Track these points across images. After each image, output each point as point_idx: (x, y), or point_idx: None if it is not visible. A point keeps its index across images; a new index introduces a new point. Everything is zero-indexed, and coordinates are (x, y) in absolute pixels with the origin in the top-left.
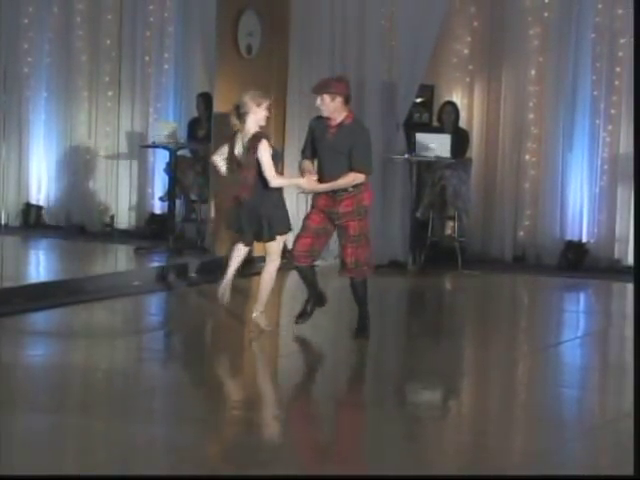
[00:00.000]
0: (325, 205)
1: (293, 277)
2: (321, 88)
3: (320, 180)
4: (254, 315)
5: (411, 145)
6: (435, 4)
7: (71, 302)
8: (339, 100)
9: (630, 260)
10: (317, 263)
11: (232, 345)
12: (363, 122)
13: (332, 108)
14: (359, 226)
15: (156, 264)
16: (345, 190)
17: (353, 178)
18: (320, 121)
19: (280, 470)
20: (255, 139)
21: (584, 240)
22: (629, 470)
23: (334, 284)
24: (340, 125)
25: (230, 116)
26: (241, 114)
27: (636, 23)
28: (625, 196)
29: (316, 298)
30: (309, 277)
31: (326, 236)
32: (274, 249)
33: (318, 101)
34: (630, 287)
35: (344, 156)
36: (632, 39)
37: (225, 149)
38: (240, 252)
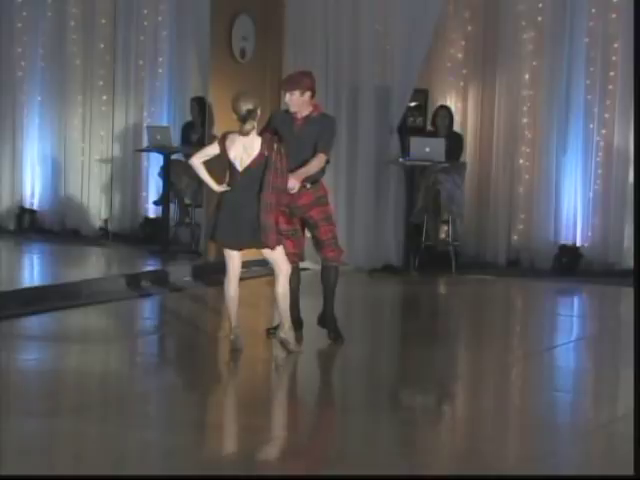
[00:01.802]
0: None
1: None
2: (294, 85)
3: None
4: (281, 336)
5: (405, 149)
6: (429, 8)
7: (65, 306)
8: (308, 94)
9: (624, 264)
10: (308, 266)
11: (225, 349)
12: (329, 114)
13: (301, 102)
14: (322, 210)
15: (150, 268)
16: (303, 186)
17: (320, 159)
18: (286, 115)
19: (272, 473)
20: (276, 141)
21: (578, 244)
22: (623, 474)
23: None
24: (307, 118)
25: (250, 119)
26: (254, 117)
27: (636, 23)
28: (619, 200)
29: (295, 315)
30: (293, 282)
31: (300, 233)
32: (278, 259)
33: (287, 97)
34: (624, 290)
35: (310, 146)
36: (626, 43)
37: (209, 151)
38: (232, 294)
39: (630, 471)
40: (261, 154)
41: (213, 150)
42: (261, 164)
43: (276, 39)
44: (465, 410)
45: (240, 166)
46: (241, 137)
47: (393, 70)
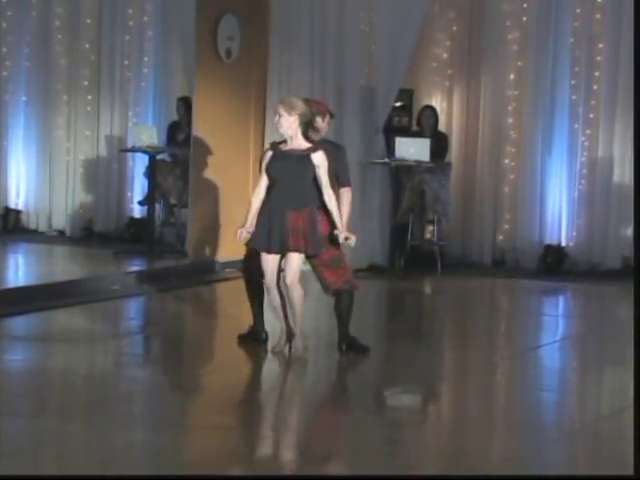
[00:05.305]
0: None
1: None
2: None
3: None
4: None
5: (390, 149)
6: (414, 9)
7: (50, 306)
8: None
9: (609, 264)
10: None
11: (211, 349)
12: None
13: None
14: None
15: (135, 268)
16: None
17: None
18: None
19: (261, 473)
20: None
21: (563, 244)
22: (608, 473)
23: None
24: None
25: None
26: None
27: (636, 23)
28: (604, 200)
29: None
30: (340, 305)
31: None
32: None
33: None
34: (609, 290)
35: None
36: (611, 43)
37: None
38: (276, 298)
39: (614, 470)
40: None
41: None
42: None
43: (261, 39)
44: (451, 410)
45: None
46: None
47: (378, 70)
